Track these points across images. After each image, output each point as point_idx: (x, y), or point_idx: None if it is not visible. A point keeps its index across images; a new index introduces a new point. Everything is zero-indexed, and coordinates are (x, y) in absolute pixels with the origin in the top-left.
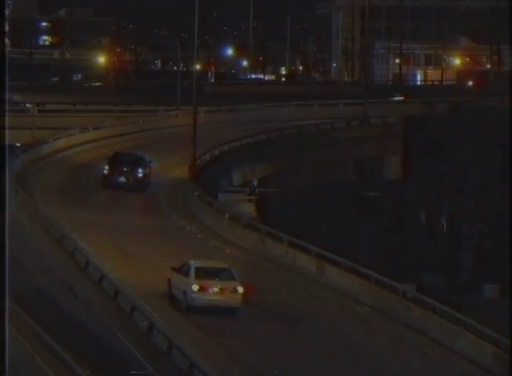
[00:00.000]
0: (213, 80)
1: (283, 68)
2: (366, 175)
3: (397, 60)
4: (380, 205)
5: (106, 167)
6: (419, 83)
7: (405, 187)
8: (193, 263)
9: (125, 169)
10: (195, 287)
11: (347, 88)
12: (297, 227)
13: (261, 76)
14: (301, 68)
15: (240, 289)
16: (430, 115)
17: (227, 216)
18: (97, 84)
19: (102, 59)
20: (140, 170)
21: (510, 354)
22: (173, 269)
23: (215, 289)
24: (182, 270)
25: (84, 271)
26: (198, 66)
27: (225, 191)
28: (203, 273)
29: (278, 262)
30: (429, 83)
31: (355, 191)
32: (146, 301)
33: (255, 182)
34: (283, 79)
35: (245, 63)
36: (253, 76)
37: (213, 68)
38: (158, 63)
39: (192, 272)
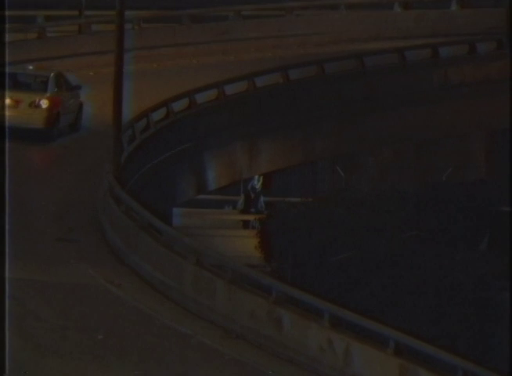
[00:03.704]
0: None
1: None
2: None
3: None
4: None
5: None
6: None
7: None
8: None
9: None
10: None
11: None
12: (352, 284)
13: None
14: None
15: (44, 103)
16: None
17: (194, 261)
18: None
19: None
20: None
21: None
22: None
23: (7, 101)
24: None
25: None
26: None
27: (188, 204)
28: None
29: (310, 363)
30: None
31: (486, 204)
32: None
33: (257, 184)
34: None
35: None
36: None
37: None
38: None
39: None
